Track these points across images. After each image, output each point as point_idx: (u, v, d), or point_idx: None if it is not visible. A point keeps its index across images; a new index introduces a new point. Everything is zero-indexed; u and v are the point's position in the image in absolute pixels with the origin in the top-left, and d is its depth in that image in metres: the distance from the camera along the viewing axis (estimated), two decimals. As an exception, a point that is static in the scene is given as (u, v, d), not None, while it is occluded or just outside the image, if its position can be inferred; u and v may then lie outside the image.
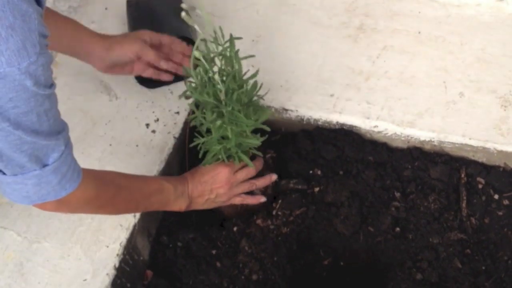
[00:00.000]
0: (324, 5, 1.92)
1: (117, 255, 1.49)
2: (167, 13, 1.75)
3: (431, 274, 1.49)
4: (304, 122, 1.72)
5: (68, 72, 1.80)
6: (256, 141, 1.45)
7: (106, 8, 2.00)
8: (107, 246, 1.50)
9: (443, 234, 1.55)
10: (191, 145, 1.46)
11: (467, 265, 1.50)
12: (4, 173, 1.07)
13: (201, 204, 1.52)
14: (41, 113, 1.01)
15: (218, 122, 1.36)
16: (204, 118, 1.38)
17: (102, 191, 1.29)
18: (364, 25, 1.86)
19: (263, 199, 1.59)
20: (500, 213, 1.58)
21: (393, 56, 1.78)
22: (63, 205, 1.19)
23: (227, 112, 1.35)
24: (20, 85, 0.93)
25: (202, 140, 1.43)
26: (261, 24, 1.90)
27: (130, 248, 1.52)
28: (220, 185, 1.51)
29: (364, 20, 1.87)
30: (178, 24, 1.73)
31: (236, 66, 1.38)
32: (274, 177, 1.60)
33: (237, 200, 1.56)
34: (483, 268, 1.51)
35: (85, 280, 1.46)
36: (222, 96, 1.35)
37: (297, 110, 1.71)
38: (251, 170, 1.55)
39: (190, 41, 1.72)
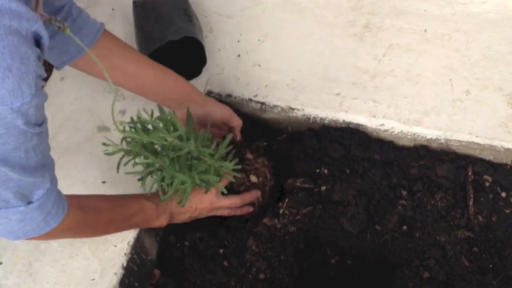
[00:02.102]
0: (330, 4, 1.92)
1: (125, 254, 1.50)
2: (173, 14, 1.75)
3: (438, 273, 1.49)
4: (311, 121, 1.72)
5: (75, 72, 1.79)
6: (229, 165, 1.45)
7: (112, 9, 2.00)
8: (115, 246, 1.51)
9: (450, 232, 1.55)
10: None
11: (474, 263, 1.50)
12: None
13: (182, 219, 1.53)
14: (29, 149, 1.02)
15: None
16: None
17: (83, 218, 1.29)
18: (370, 24, 1.85)
19: (251, 209, 1.58)
20: (508, 211, 1.58)
21: (399, 54, 1.78)
22: (48, 235, 1.19)
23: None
24: (10, 123, 0.94)
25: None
26: (267, 23, 1.90)
27: (137, 247, 1.53)
28: (204, 206, 1.51)
29: (370, 19, 1.86)
30: (184, 24, 1.73)
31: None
32: (258, 194, 1.58)
33: (225, 213, 1.56)
34: (491, 266, 1.50)
35: (93, 279, 1.47)
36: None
37: (303, 109, 1.71)
38: (237, 201, 1.54)
39: (196, 42, 1.73)
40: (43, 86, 1.00)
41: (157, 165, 1.38)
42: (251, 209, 1.58)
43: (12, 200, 1.06)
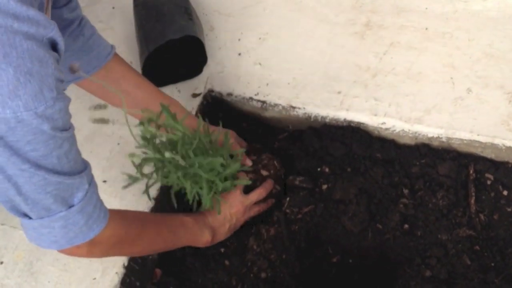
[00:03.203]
0: (331, 2, 1.92)
1: (126, 253, 1.50)
2: (174, 12, 1.75)
3: (440, 271, 1.49)
4: (312, 120, 1.72)
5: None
6: (237, 166, 1.48)
7: (113, 7, 2.00)
8: (116, 245, 1.51)
9: (451, 231, 1.54)
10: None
11: (476, 262, 1.50)
12: (30, 217, 1.06)
13: (225, 233, 1.54)
14: (61, 155, 1.01)
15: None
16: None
17: (129, 228, 1.27)
18: (371, 22, 1.85)
19: (273, 200, 1.62)
20: (509, 209, 1.57)
21: (400, 52, 1.78)
22: (95, 247, 1.17)
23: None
24: (37, 129, 0.94)
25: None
26: (267, 21, 1.90)
27: (139, 246, 1.53)
28: (237, 208, 1.53)
29: (371, 17, 1.86)
30: (184, 23, 1.73)
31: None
32: (272, 182, 1.61)
33: (256, 210, 1.59)
34: (492, 264, 1.50)
35: (94, 279, 1.47)
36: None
37: (304, 108, 1.71)
38: (262, 191, 1.58)
39: (197, 41, 1.73)
40: (64, 89, 1.00)
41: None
42: (273, 200, 1.61)
43: (53, 206, 1.05)
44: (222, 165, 1.43)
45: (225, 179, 1.49)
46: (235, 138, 1.62)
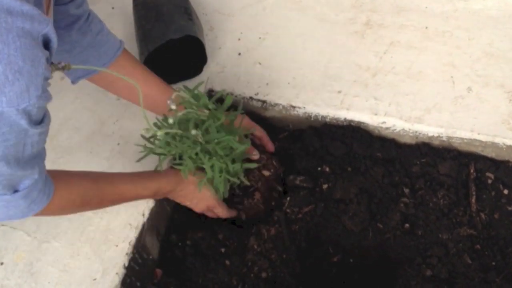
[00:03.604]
0: (331, 2, 1.92)
1: (127, 254, 1.49)
2: (174, 12, 1.75)
3: (440, 270, 1.48)
4: (312, 119, 1.72)
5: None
6: (245, 145, 1.48)
7: (113, 8, 2.00)
8: (117, 245, 1.50)
9: (452, 230, 1.54)
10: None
11: (477, 261, 1.50)
12: None
13: (171, 198, 1.53)
14: (27, 143, 1.03)
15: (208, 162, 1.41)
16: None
17: (68, 204, 1.29)
18: (371, 21, 1.85)
19: (234, 213, 1.61)
20: (510, 208, 1.57)
21: (400, 51, 1.77)
22: (34, 215, 1.20)
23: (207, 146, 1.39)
24: (14, 122, 0.95)
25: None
26: (267, 21, 1.90)
27: (139, 247, 1.53)
28: (197, 209, 1.55)
29: (371, 16, 1.86)
30: (184, 23, 1.73)
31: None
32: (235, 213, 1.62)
33: (209, 214, 1.60)
34: (493, 263, 1.50)
35: (94, 279, 1.47)
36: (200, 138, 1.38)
37: (304, 107, 1.71)
38: (226, 214, 1.58)
39: (196, 41, 1.72)
40: (47, 88, 1.01)
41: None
42: (234, 213, 1.61)
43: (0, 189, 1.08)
44: (231, 148, 1.45)
45: (233, 161, 1.49)
46: (248, 121, 1.63)
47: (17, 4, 0.90)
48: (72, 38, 1.36)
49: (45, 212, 1.22)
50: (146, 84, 1.51)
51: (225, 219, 1.61)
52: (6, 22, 0.88)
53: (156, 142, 1.43)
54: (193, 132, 1.34)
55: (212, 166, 1.43)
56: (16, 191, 1.10)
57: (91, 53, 1.40)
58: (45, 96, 0.99)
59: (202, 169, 1.47)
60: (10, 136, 0.97)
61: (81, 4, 1.33)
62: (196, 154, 1.41)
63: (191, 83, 1.79)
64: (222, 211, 1.57)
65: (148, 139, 1.44)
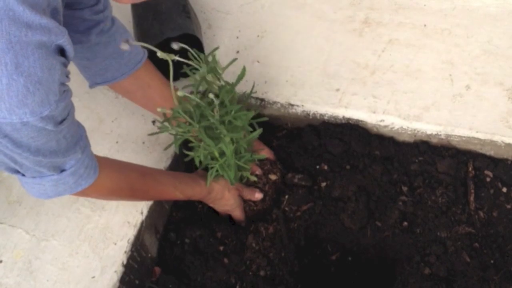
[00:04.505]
0: (329, -1, 1.92)
1: (125, 252, 1.50)
2: (172, 10, 1.75)
3: (439, 268, 1.49)
4: (310, 117, 1.72)
5: (74, 70, 1.80)
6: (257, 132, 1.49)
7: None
8: (115, 244, 1.51)
9: (451, 228, 1.54)
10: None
11: (475, 259, 1.50)
12: (23, 175, 1.13)
13: (213, 199, 1.57)
14: (60, 138, 1.08)
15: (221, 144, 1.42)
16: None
17: (121, 186, 1.34)
18: (369, 19, 1.85)
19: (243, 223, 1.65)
20: (509, 206, 1.57)
21: (398, 49, 1.77)
22: (83, 194, 1.25)
23: (222, 124, 1.40)
24: (41, 128, 1.00)
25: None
26: (266, 19, 1.90)
27: (138, 245, 1.53)
28: (234, 192, 1.59)
29: (369, 14, 1.86)
30: (182, 21, 1.73)
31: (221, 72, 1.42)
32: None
33: (238, 214, 1.63)
34: (492, 261, 1.50)
35: (93, 277, 1.47)
36: (216, 115, 1.38)
37: (303, 105, 1.71)
38: (255, 193, 1.61)
39: (194, 39, 1.72)
40: (65, 90, 1.04)
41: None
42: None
43: (46, 172, 1.13)
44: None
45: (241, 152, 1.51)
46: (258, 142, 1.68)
47: (37, 18, 0.93)
48: (92, 44, 1.38)
49: (96, 191, 1.27)
50: (163, 96, 1.54)
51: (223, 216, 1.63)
52: (26, 35, 0.91)
53: (173, 122, 1.44)
54: (211, 95, 1.33)
55: (231, 141, 1.43)
56: (63, 170, 1.15)
57: (112, 63, 1.44)
58: (63, 97, 1.02)
59: (211, 159, 1.49)
60: (39, 138, 1.03)
61: (100, 11, 1.34)
62: (210, 131, 1.42)
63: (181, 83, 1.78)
64: (239, 215, 1.62)
65: (164, 120, 1.44)
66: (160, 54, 1.28)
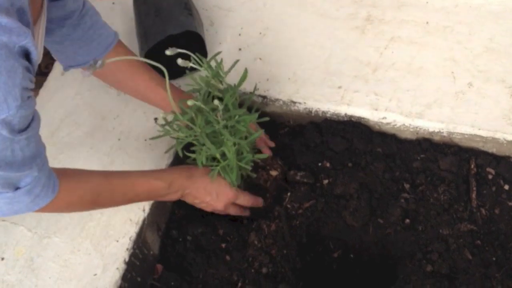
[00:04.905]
0: (331, -3, 1.91)
1: (127, 249, 1.50)
2: (174, 8, 1.75)
3: (441, 266, 1.48)
4: (312, 114, 1.71)
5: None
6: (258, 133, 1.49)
7: (113, 3, 2.00)
8: (117, 241, 1.51)
9: (453, 226, 1.54)
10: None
11: (477, 256, 1.50)
12: None
13: (191, 201, 1.51)
14: (16, 149, 1.04)
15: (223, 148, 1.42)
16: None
17: (81, 198, 1.29)
18: (371, 16, 1.85)
19: (248, 213, 1.59)
20: (511, 204, 1.57)
21: (401, 47, 1.77)
22: (41, 210, 1.21)
23: (225, 127, 1.40)
24: None
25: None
26: (268, 16, 1.90)
27: (139, 242, 1.53)
28: (218, 204, 1.51)
29: (372, 11, 1.86)
30: (184, 18, 1.73)
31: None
32: (260, 201, 1.59)
33: (232, 212, 1.56)
34: (494, 259, 1.50)
35: (95, 274, 1.47)
36: (220, 121, 1.38)
37: (305, 103, 1.71)
38: (250, 200, 1.55)
39: (197, 36, 1.72)
40: (29, 97, 1.01)
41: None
42: (248, 213, 1.60)
43: (0, 188, 1.09)
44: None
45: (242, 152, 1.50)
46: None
47: None
48: (63, 32, 1.36)
49: (54, 207, 1.22)
50: (132, 79, 1.53)
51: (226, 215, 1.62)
52: None
53: (175, 124, 1.43)
54: (216, 102, 1.33)
55: (234, 144, 1.43)
56: (17, 188, 1.11)
57: (81, 46, 1.41)
58: (27, 105, 0.99)
59: (213, 159, 1.48)
60: None
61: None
62: (213, 135, 1.42)
63: (180, 81, 1.78)
64: (246, 199, 1.54)
65: (165, 123, 1.44)
66: (181, 62, 1.29)
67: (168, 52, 1.28)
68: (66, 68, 1.47)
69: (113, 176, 1.38)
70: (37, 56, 1.01)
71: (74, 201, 1.28)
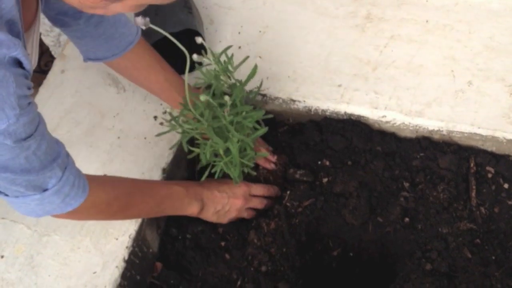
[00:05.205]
0: (331, -5, 1.91)
1: (127, 247, 1.50)
2: (174, 6, 1.74)
3: (440, 264, 1.49)
4: (312, 113, 1.71)
5: (76, 65, 1.80)
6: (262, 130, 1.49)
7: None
8: (117, 239, 1.51)
9: (452, 224, 1.54)
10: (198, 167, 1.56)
11: (476, 255, 1.50)
12: (6, 195, 1.11)
13: (211, 213, 1.53)
14: (29, 155, 1.04)
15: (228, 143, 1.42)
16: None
17: (112, 200, 1.32)
18: (371, 15, 1.85)
19: (276, 188, 1.62)
20: (510, 203, 1.57)
21: (400, 45, 1.77)
22: (73, 215, 1.23)
23: (231, 122, 1.40)
24: (0, 143, 0.96)
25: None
26: (268, 14, 1.90)
27: (139, 240, 1.53)
28: (237, 199, 1.54)
29: (371, 10, 1.86)
30: (184, 16, 1.72)
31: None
32: (277, 190, 1.63)
33: (245, 215, 1.59)
34: (493, 258, 1.50)
35: (95, 272, 1.47)
36: (227, 116, 1.39)
37: (304, 101, 1.71)
38: (267, 189, 1.59)
39: (197, 34, 1.72)
40: (29, 103, 1.01)
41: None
42: (270, 202, 1.62)
43: (26, 191, 1.10)
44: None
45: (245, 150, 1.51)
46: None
47: None
48: (81, 27, 1.38)
49: (84, 212, 1.24)
50: (148, 79, 1.56)
51: None
52: None
53: (182, 119, 1.44)
54: (226, 97, 1.34)
55: (238, 141, 1.43)
56: (45, 190, 1.12)
57: (102, 43, 1.43)
58: (26, 112, 0.99)
59: (215, 156, 1.49)
60: (3, 153, 0.99)
61: None
62: (218, 130, 1.42)
63: (191, 76, 1.78)
64: (260, 188, 1.58)
65: (171, 118, 1.45)
66: (195, 57, 1.32)
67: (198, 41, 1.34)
68: (86, 60, 1.50)
69: (138, 180, 1.45)
70: (30, 65, 1.00)
71: (102, 208, 1.30)
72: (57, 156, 1.12)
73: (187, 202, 1.48)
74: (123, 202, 1.35)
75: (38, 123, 1.06)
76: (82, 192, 1.20)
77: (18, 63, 0.98)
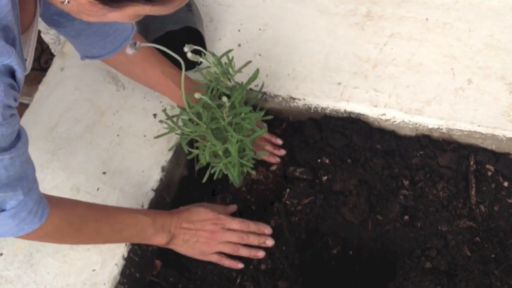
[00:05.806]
0: (331, -7, 1.91)
1: (126, 245, 1.50)
2: (173, 3, 1.74)
3: (440, 263, 1.48)
4: (312, 111, 1.71)
5: (75, 63, 1.80)
6: (261, 131, 1.48)
7: (112, -2, 1.99)
8: (116, 237, 1.50)
9: (452, 222, 1.54)
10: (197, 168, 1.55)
11: (476, 253, 1.50)
12: None
13: (179, 244, 1.48)
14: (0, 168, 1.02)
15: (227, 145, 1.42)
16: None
17: (66, 227, 1.28)
18: (371, 13, 1.84)
19: (240, 265, 1.51)
20: (510, 201, 1.57)
21: (400, 43, 1.77)
22: (24, 237, 1.19)
23: (230, 123, 1.40)
24: None
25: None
26: (267, 12, 1.89)
27: (138, 238, 1.52)
28: (205, 232, 1.48)
29: (371, 7, 1.85)
30: (183, 14, 1.72)
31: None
32: (261, 253, 1.54)
33: (213, 258, 1.51)
34: (493, 256, 1.50)
35: (94, 270, 1.47)
36: (226, 117, 1.38)
37: (304, 99, 1.71)
38: (248, 225, 1.52)
39: (196, 32, 1.72)
40: (12, 115, 1.00)
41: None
42: (240, 265, 1.51)
43: None
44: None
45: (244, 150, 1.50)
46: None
47: None
48: (76, 27, 1.37)
49: (41, 234, 1.21)
50: (145, 72, 1.56)
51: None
52: None
53: (181, 119, 1.43)
54: (224, 99, 1.34)
55: (236, 142, 1.42)
56: (3, 210, 1.09)
57: (97, 41, 1.43)
58: (8, 123, 0.98)
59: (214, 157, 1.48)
60: None
61: None
62: (217, 131, 1.42)
63: (190, 75, 1.78)
64: (238, 224, 1.51)
65: (169, 119, 1.44)
66: (190, 56, 1.30)
67: (185, 49, 1.29)
68: (83, 58, 1.51)
69: (99, 206, 1.40)
70: (22, 74, 0.99)
71: (62, 228, 1.26)
72: (24, 178, 1.09)
73: (152, 233, 1.42)
74: (76, 227, 1.30)
75: (19, 139, 1.04)
76: (38, 220, 1.16)
77: (10, 72, 0.97)
